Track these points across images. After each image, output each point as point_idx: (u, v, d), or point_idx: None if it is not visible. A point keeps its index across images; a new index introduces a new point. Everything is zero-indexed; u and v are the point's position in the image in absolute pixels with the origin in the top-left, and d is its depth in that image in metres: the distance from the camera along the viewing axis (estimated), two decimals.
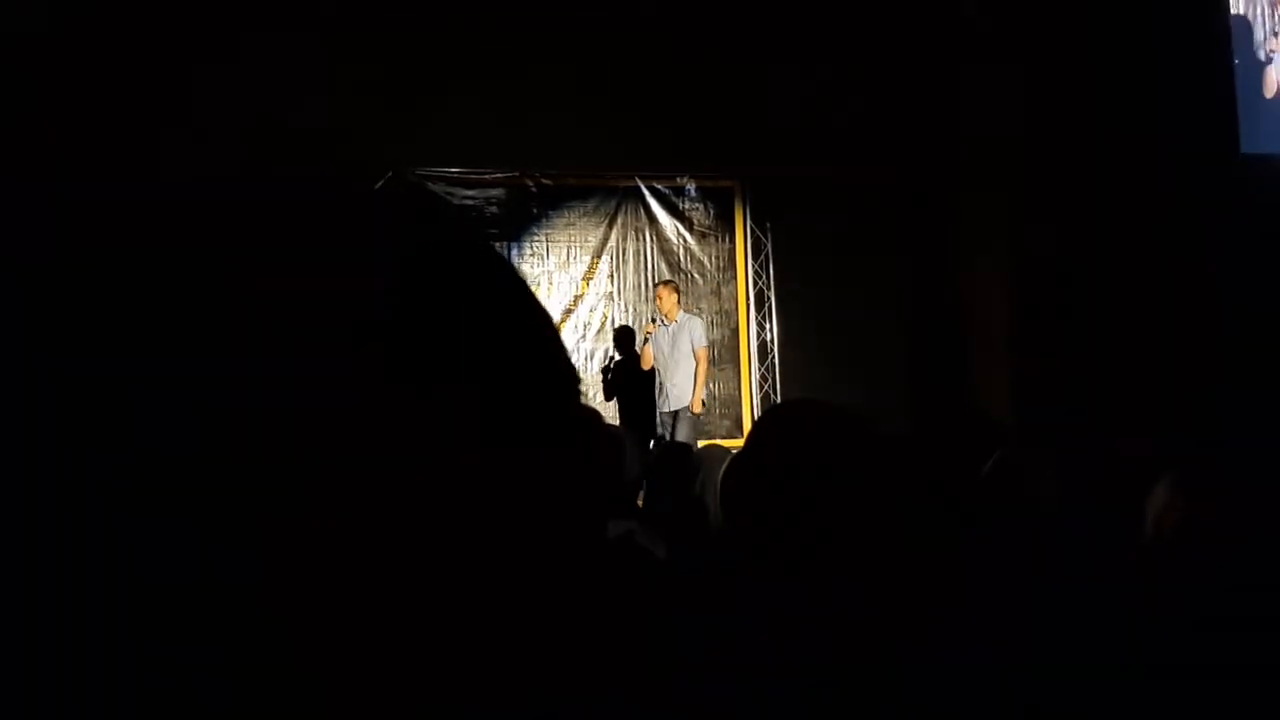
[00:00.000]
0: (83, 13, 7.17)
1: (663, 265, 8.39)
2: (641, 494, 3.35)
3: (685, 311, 7.57)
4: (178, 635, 0.33)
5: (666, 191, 8.40)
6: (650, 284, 8.37)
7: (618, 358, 7.96)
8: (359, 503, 0.34)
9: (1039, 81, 7.48)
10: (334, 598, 0.35)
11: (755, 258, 8.50)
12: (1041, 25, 7.45)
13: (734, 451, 2.89)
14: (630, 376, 7.57)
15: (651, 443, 6.85)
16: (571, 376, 0.42)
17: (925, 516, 1.22)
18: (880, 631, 1.17)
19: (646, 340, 7.29)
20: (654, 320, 7.32)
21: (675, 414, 7.12)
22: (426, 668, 0.38)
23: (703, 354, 7.28)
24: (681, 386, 7.18)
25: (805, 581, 1.29)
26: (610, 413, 7.75)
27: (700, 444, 6.06)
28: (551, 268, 8.24)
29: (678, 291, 7.42)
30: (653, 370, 7.32)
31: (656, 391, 7.28)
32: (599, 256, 8.30)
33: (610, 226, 8.33)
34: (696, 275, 8.47)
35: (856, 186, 8.58)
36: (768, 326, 8.54)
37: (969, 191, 8.24)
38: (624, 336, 7.92)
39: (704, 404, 7.50)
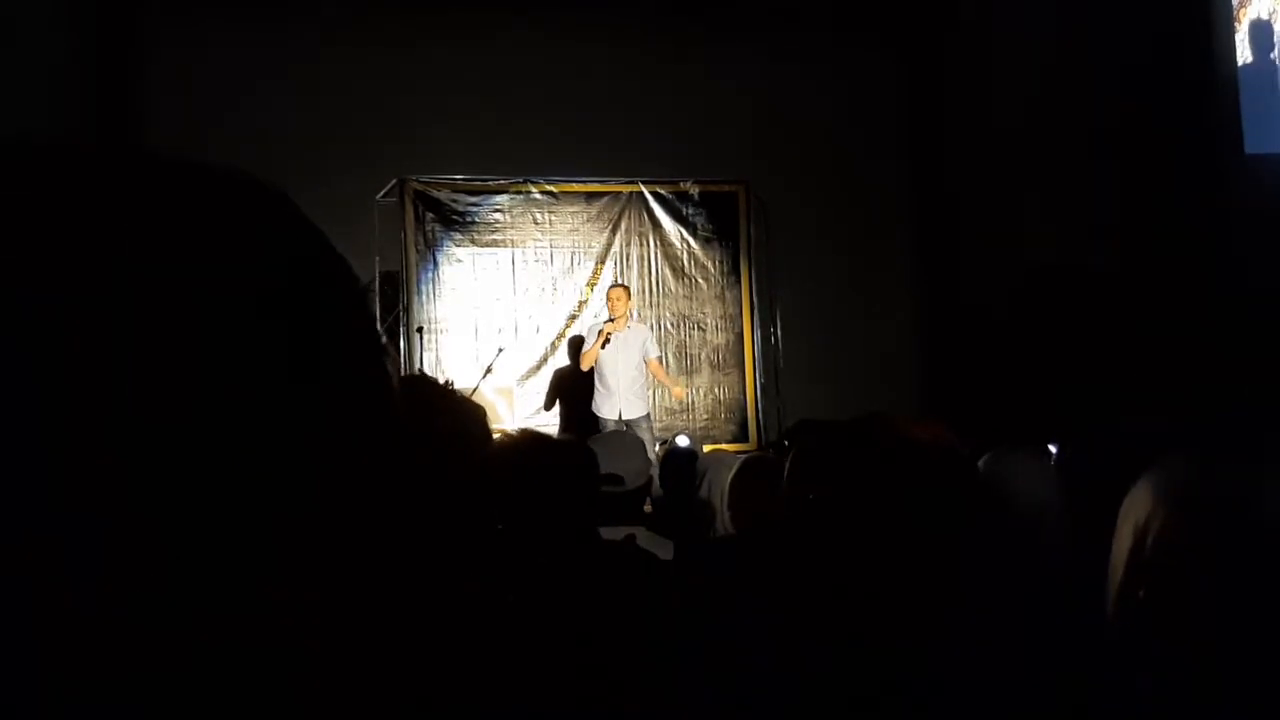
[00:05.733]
0: (83, 17, 7.21)
1: (666, 270, 8.40)
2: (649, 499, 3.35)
3: (638, 320, 7.58)
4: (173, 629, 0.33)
5: (670, 196, 8.40)
6: (654, 289, 8.38)
7: (566, 363, 7.92)
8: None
9: (1041, 81, 7.48)
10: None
11: (759, 262, 8.50)
12: (1043, 26, 7.45)
13: (741, 457, 2.89)
14: (574, 383, 7.46)
15: (657, 446, 6.83)
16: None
17: (927, 519, 1.22)
18: (881, 634, 1.16)
19: (607, 341, 7.00)
20: (611, 320, 7.07)
21: (628, 424, 6.92)
22: (423, 665, 0.38)
23: (656, 365, 7.31)
24: (631, 396, 7.08)
25: (809, 585, 1.29)
26: (548, 420, 7.76)
27: (706, 449, 6.05)
28: (556, 273, 8.25)
29: (629, 296, 7.38)
30: (591, 375, 7.16)
31: (602, 398, 7.08)
32: (603, 262, 8.31)
33: (614, 232, 8.33)
34: (700, 280, 8.48)
35: (861, 190, 8.59)
36: (772, 331, 8.54)
37: (973, 193, 8.24)
38: (575, 345, 7.86)
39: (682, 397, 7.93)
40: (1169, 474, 0.98)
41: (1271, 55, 7.63)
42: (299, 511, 0.35)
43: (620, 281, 7.84)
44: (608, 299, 7.21)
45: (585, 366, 7.12)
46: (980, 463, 2.05)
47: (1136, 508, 0.98)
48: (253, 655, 0.34)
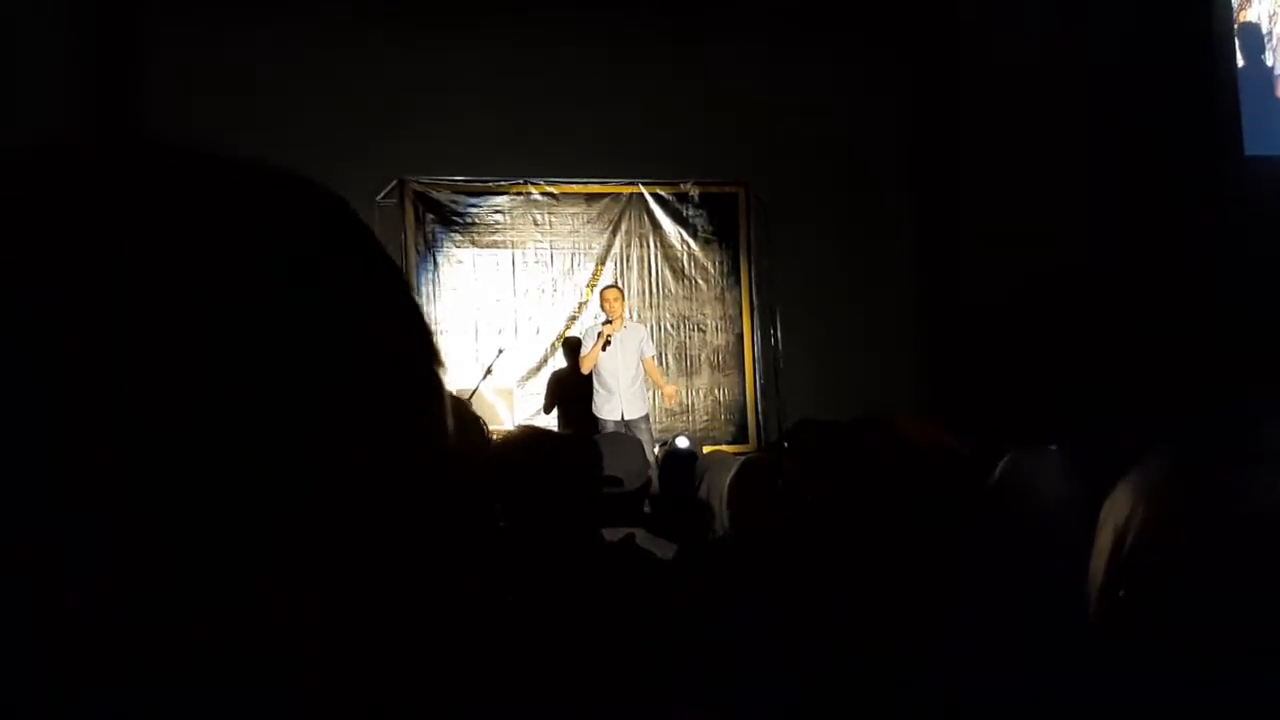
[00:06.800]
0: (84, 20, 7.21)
1: (666, 271, 8.40)
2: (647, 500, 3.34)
3: (633, 319, 7.59)
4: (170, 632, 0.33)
5: (670, 197, 8.41)
6: (654, 290, 8.38)
7: (565, 365, 7.89)
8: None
9: (1040, 83, 7.48)
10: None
11: (759, 263, 8.50)
12: (1042, 28, 7.45)
13: (741, 458, 2.89)
14: (574, 385, 7.44)
15: (657, 447, 6.83)
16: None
17: (926, 520, 1.22)
18: (881, 634, 1.16)
19: (608, 343, 6.99)
20: (609, 322, 7.06)
21: (629, 424, 6.94)
22: (423, 665, 0.38)
23: (650, 364, 7.31)
24: (632, 396, 7.09)
25: (809, 586, 1.29)
26: (547, 422, 7.73)
27: (705, 450, 6.05)
28: (556, 275, 8.26)
29: (624, 297, 7.38)
30: (589, 376, 7.15)
31: (602, 399, 7.09)
32: (602, 263, 8.31)
33: (614, 233, 8.34)
34: (700, 281, 8.48)
35: (861, 191, 8.59)
36: (772, 332, 8.54)
37: (974, 195, 8.24)
38: (572, 347, 7.84)
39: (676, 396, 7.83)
40: (1148, 475, 0.98)
41: (1264, 58, 7.64)
42: (300, 512, 0.35)
43: (616, 283, 7.83)
44: (603, 300, 7.19)
45: (586, 369, 7.12)
46: (1001, 462, 2.04)
47: (1117, 509, 0.98)
48: (253, 655, 0.34)
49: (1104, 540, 1.00)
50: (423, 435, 0.40)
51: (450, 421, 0.42)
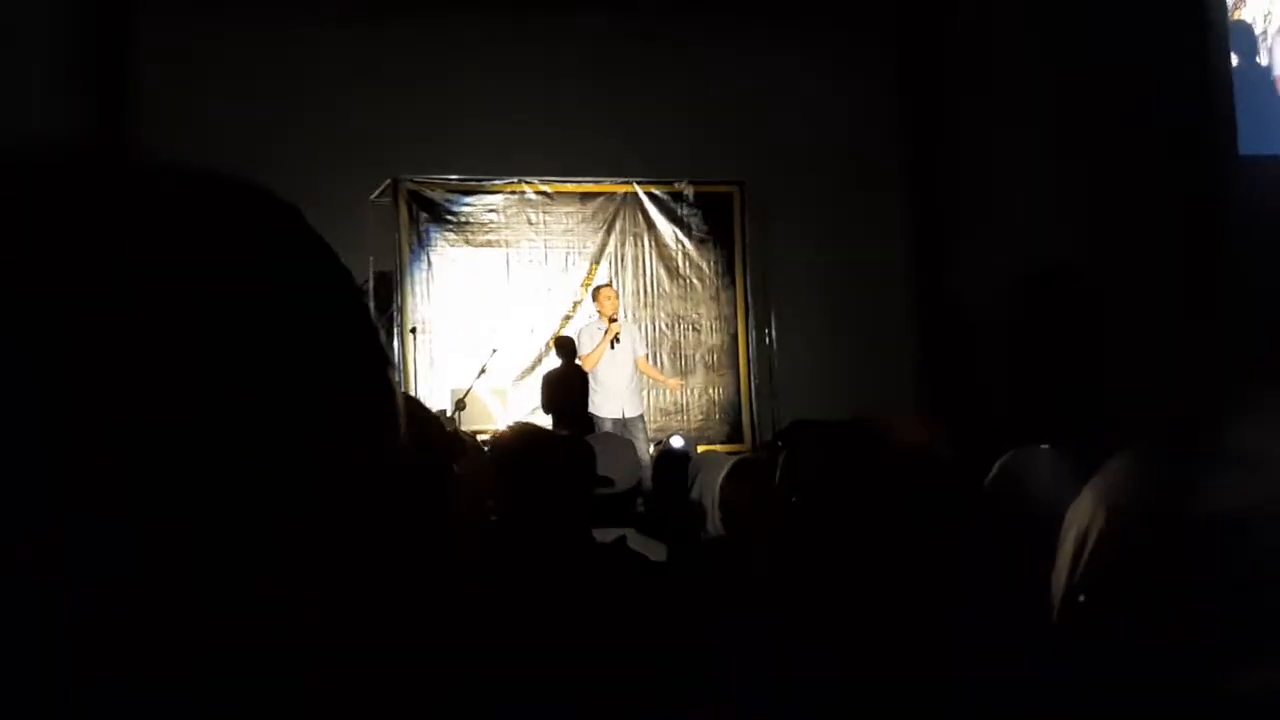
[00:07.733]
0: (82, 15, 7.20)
1: (661, 271, 8.39)
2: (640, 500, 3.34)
3: (628, 319, 7.61)
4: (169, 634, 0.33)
5: (665, 197, 8.41)
6: (649, 289, 8.37)
7: (559, 364, 7.84)
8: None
9: (1036, 82, 7.49)
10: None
11: (754, 263, 8.50)
12: (1038, 27, 7.47)
13: (733, 458, 2.90)
14: (569, 384, 7.40)
15: (651, 447, 6.83)
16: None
17: (920, 520, 1.22)
18: (875, 635, 1.17)
19: (617, 339, 6.98)
20: (614, 319, 7.04)
21: (628, 422, 6.96)
22: (422, 665, 0.38)
23: (644, 362, 7.32)
24: (630, 394, 7.10)
25: (803, 586, 1.29)
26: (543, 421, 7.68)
27: (700, 449, 6.06)
28: (550, 274, 8.25)
29: (618, 296, 7.38)
30: (584, 375, 7.14)
31: (602, 398, 7.07)
32: (597, 262, 8.30)
33: (609, 233, 8.33)
34: (695, 280, 8.47)
35: (857, 190, 8.59)
36: (767, 332, 8.54)
37: (970, 196, 8.25)
38: (564, 346, 7.85)
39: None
40: (1108, 479, 0.97)
41: (1258, 58, 7.66)
42: (299, 512, 0.35)
43: (611, 282, 7.82)
44: (600, 299, 7.17)
45: (590, 367, 7.07)
46: (999, 462, 2.04)
47: (1080, 514, 0.98)
48: (253, 655, 0.34)
49: (1066, 545, 1.00)
50: (381, 432, 0.41)
51: (404, 419, 0.43)
